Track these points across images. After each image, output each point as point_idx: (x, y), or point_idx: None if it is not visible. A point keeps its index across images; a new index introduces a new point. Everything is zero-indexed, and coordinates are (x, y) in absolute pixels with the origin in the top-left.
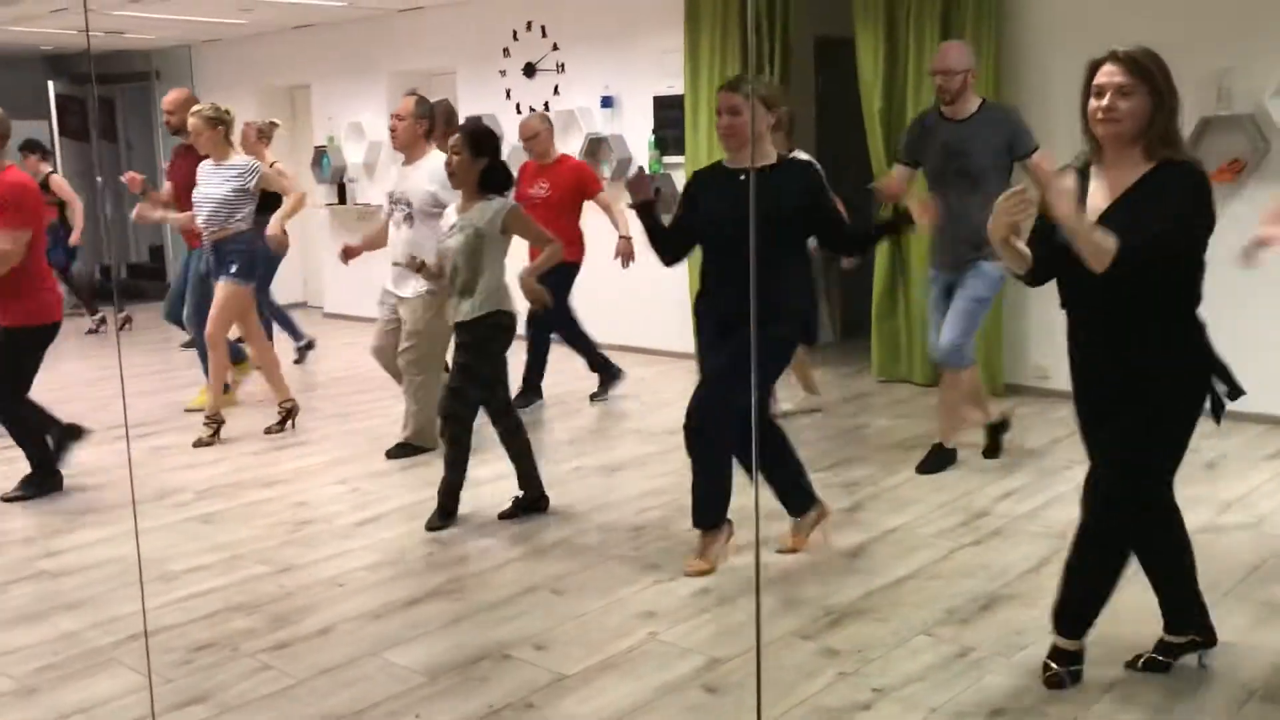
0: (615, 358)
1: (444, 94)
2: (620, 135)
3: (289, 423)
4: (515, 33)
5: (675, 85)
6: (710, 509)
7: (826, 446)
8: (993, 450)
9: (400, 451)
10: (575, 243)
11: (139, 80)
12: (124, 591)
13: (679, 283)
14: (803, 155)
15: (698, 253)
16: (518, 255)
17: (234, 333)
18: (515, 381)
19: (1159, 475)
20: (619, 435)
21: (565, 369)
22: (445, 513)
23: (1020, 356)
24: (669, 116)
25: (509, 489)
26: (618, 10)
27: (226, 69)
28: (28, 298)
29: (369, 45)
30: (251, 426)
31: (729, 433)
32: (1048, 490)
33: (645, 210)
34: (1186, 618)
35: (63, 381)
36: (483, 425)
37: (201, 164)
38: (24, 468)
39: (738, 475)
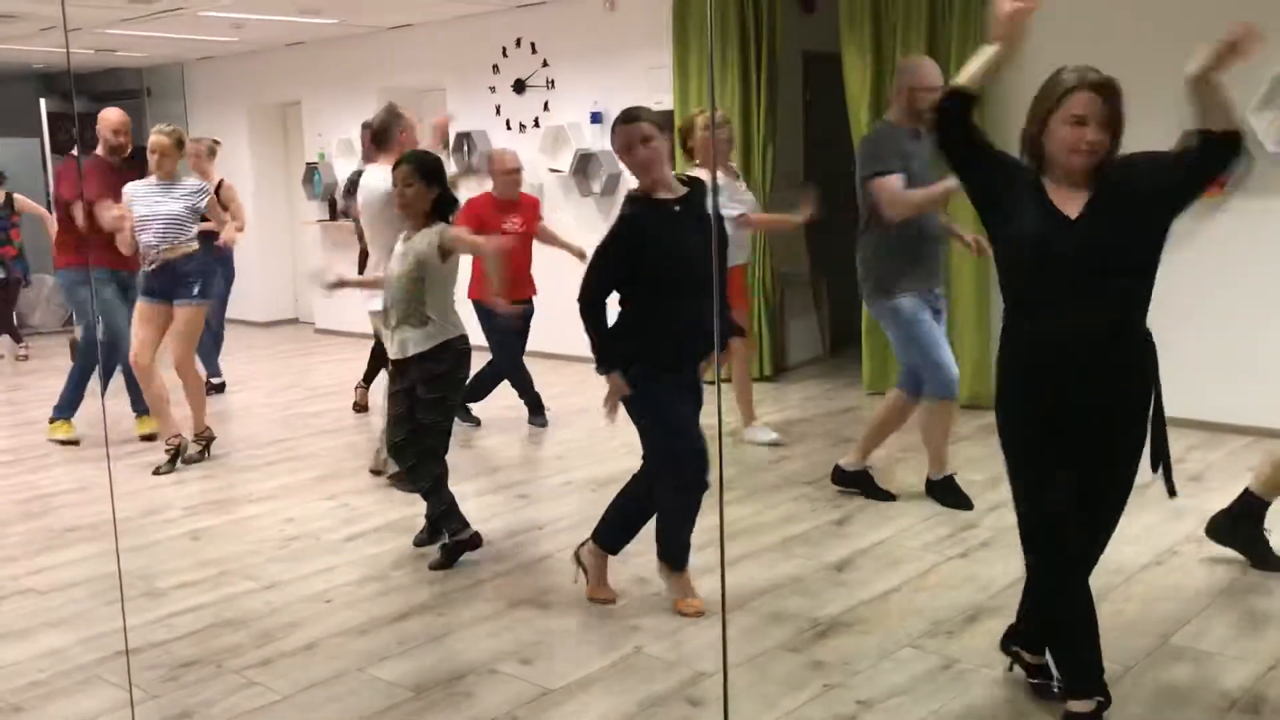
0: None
1: (433, 110)
2: (609, 151)
3: (206, 451)
4: (505, 49)
5: (664, 100)
6: (679, 549)
7: (815, 460)
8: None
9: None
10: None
11: (130, 98)
12: (109, 608)
13: None
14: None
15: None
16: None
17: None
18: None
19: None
20: (608, 451)
21: (553, 382)
22: (435, 530)
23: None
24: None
25: (492, 505)
26: (607, 26)
27: (218, 86)
28: None
29: (359, 62)
30: (239, 443)
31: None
32: None
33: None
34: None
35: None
36: (456, 447)
37: (139, 184)
38: None
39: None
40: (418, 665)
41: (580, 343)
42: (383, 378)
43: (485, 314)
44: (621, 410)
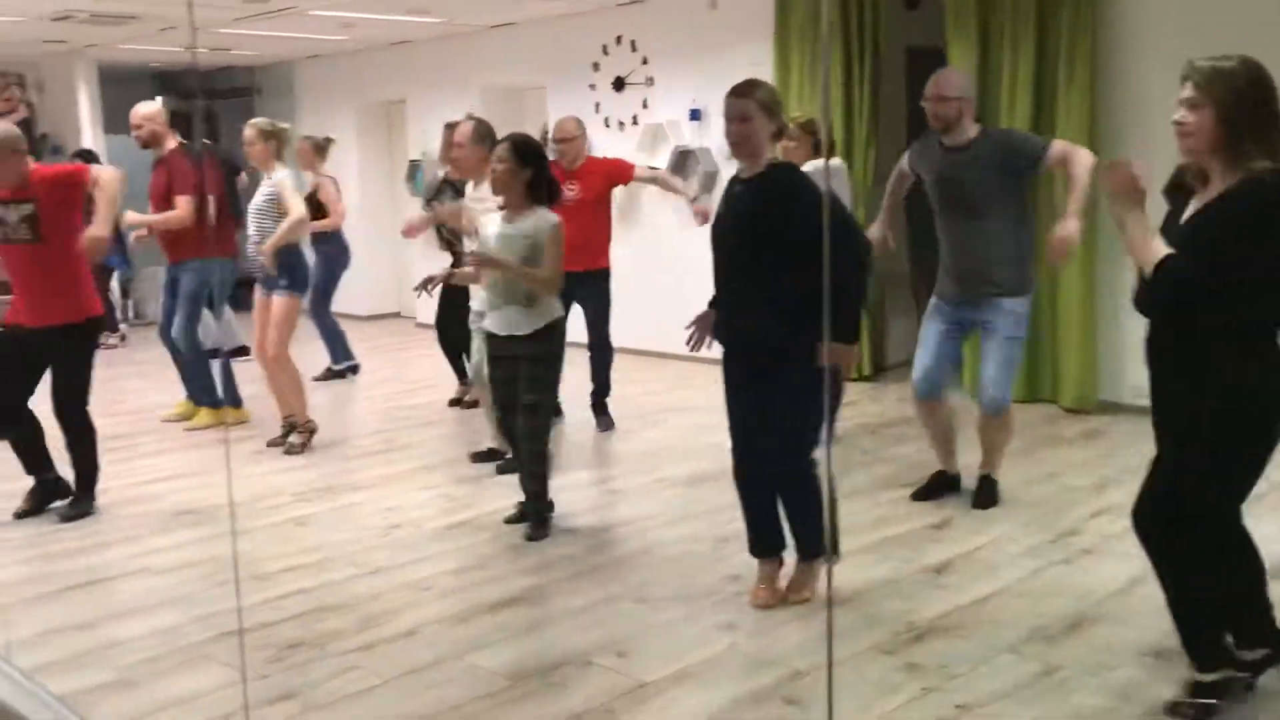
0: (691, 369)
1: (534, 108)
2: (707, 148)
3: (292, 438)
4: (605, 47)
5: None
6: (760, 541)
7: (913, 461)
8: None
9: (486, 457)
10: (606, 246)
11: (242, 95)
12: (219, 589)
13: None
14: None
15: None
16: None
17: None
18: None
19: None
20: (700, 448)
21: (646, 379)
22: (535, 509)
23: (1117, 373)
24: None
25: (586, 499)
26: (707, 23)
27: (326, 85)
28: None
29: (462, 60)
30: (342, 433)
31: (768, 477)
32: None
33: None
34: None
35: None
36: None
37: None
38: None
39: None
40: (514, 654)
41: (670, 340)
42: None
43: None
44: (704, 422)
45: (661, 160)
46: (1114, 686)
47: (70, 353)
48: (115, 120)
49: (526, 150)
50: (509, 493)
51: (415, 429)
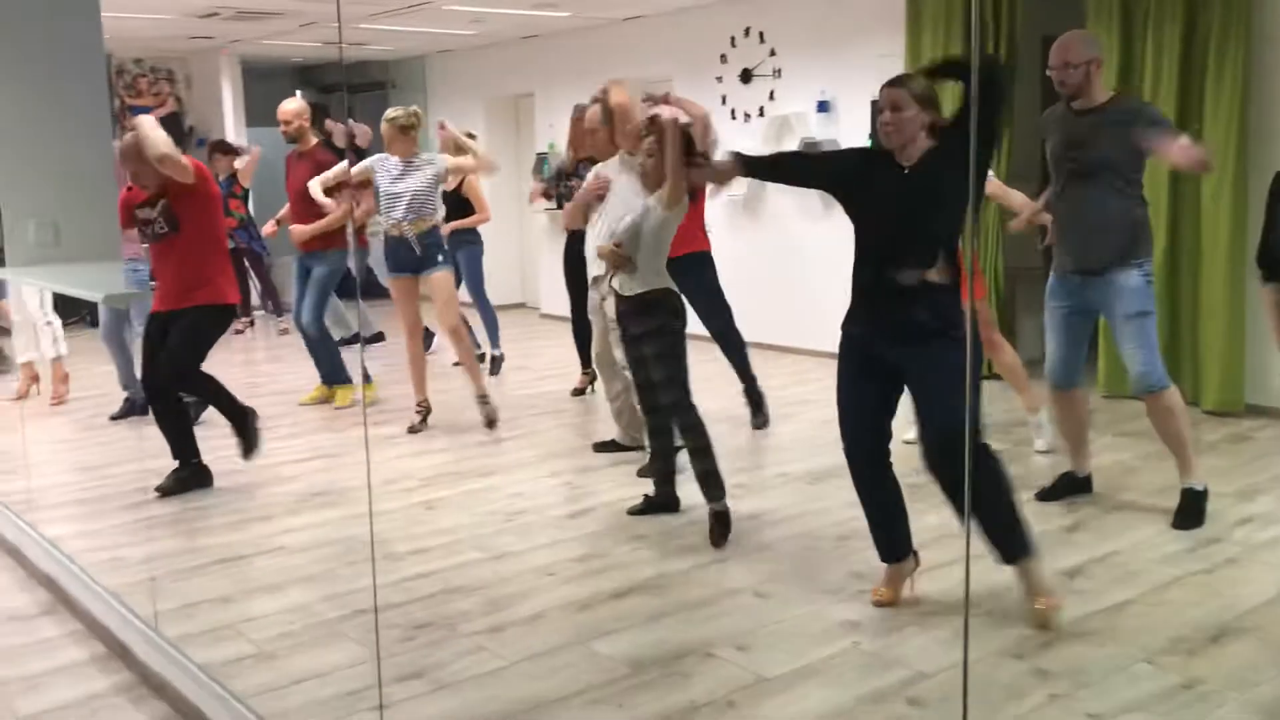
0: (810, 363)
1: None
2: (836, 140)
3: (424, 420)
4: (733, 38)
5: None
6: (885, 544)
7: (1043, 463)
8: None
9: (609, 447)
10: (701, 234)
11: (376, 89)
12: (351, 569)
13: None
14: None
15: None
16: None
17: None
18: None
19: None
20: (825, 443)
21: (771, 374)
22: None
23: (1263, 377)
24: None
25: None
26: (837, 14)
27: (456, 79)
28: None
29: (590, 54)
30: (469, 420)
31: (888, 466)
32: None
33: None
34: None
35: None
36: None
37: (385, 162)
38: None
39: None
40: (636, 643)
41: (800, 333)
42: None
43: None
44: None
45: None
46: (1260, 704)
47: (194, 328)
48: (256, 113)
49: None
50: (631, 483)
51: (540, 417)
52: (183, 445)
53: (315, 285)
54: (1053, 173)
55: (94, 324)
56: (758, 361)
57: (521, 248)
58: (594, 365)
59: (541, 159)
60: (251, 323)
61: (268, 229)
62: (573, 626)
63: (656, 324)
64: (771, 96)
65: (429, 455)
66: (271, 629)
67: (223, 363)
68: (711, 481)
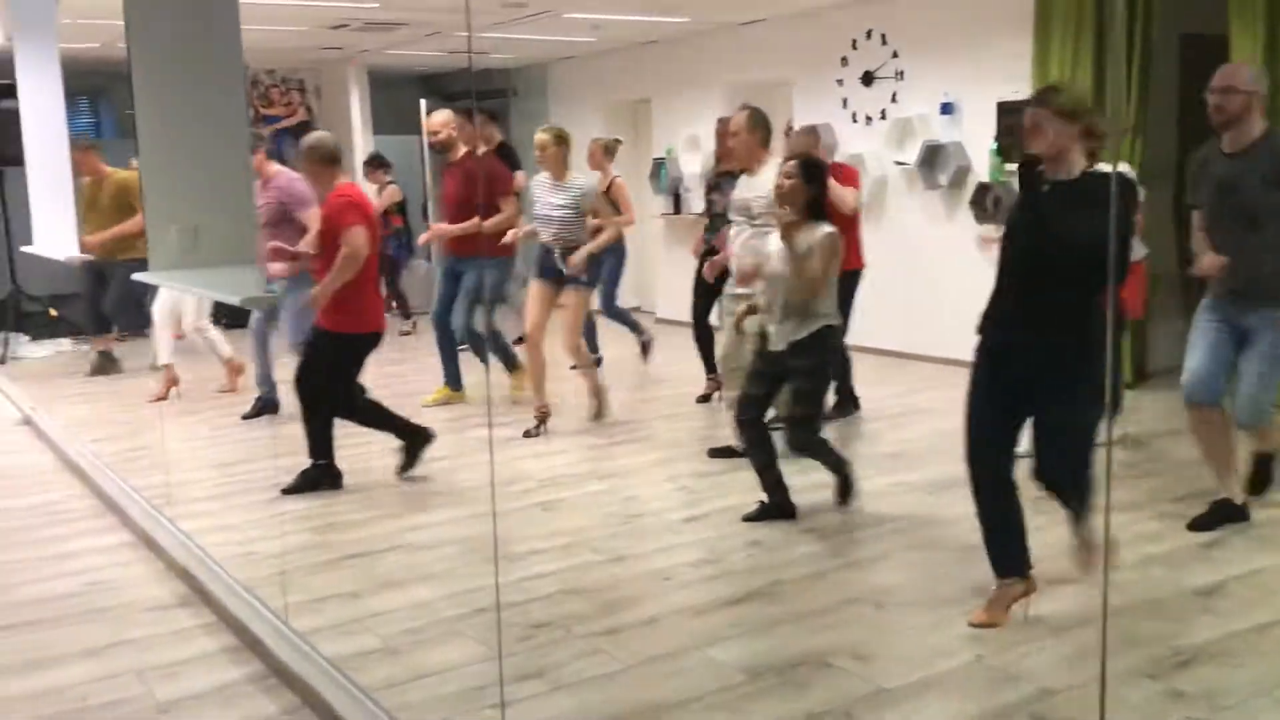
0: (935, 371)
1: (780, 104)
2: (959, 143)
3: (541, 425)
4: (854, 41)
5: (1022, 90)
6: (998, 557)
7: (1180, 475)
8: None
9: (725, 453)
10: (854, 250)
11: (497, 97)
12: (472, 569)
13: None
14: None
15: None
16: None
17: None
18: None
19: None
20: (945, 451)
21: (893, 380)
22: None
23: None
24: (1014, 123)
25: (827, 498)
26: (962, 14)
27: (576, 85)
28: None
29: (707, 58)
30: (586, 423)
31: (1010, 478)
32: None
33: None
34: None
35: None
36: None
37: (537, 179)
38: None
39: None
40: (752, 650)
41: (914, 340)
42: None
43: None
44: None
45: (910, 155)
46: None
47: (335, 356)
48: (382, 122)
49: (814, 170)
50: (748, 489)
51: (658, 421)
52: (320, 445)
53: (465, 292)
54: (1205, 211)
55: (230, 326)
56: (881, 368)
57: (638, 253)
58: (719, 371)
59: (659, 164)
60: (414, 324)
61: (423, 239)
62: (689, 632)
63: (811, 363)
64: (894, 99)
65: (548, 457)
66: (395, 625)
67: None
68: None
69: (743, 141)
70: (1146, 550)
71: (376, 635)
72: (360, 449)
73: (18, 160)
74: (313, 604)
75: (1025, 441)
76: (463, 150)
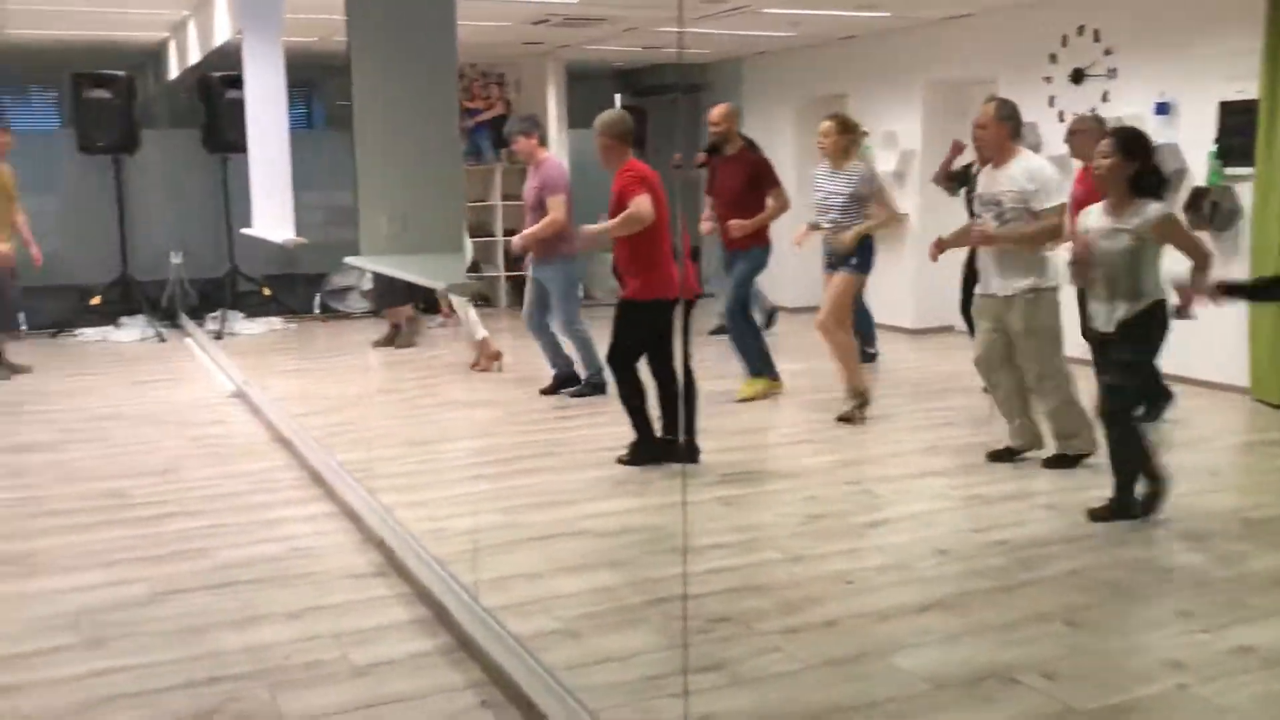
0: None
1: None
2: (1175, 144)
3: (858, 412)
4: (1065, 37)
5: (1247, 89)
6: None
7: None
8: None
9: (1005, 456)
10: None
11: (692, 91)
12: (653, 558)
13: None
14: None
15: None
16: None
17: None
18: None
19: None
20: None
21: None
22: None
23: None
24: (1237, 124)
25: (1025, 511)
26: (1182, 9)
27: (770, 80)
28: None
29: (908, 55)
30: (785, 419)
31: None
32: None
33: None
34: None
35: None
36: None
37: (819, 168)
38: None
39: None
40: (936, 660)
41: None
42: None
43: None
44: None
45: None
46: None
47: (626, 321)
48: (576, 115)
49: (1133, 143)
50: (936, 495)
51: (839, 424)
52: (639, 421)
53: (736, 281)
54: None
55: (425, 311)
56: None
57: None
58: (975, 367)
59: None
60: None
61: (705, 227)
62: (870, 637)
63: (1138, 346)
64: (1105, 98)
65: (733, 452)
66: (577, 608)
67: None
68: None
69: (991, 133)
70: None
71: (557, 618)
72: (569, 432)
73: (240, 148)
74: (499, 582)
75: None
76: (740, 144)
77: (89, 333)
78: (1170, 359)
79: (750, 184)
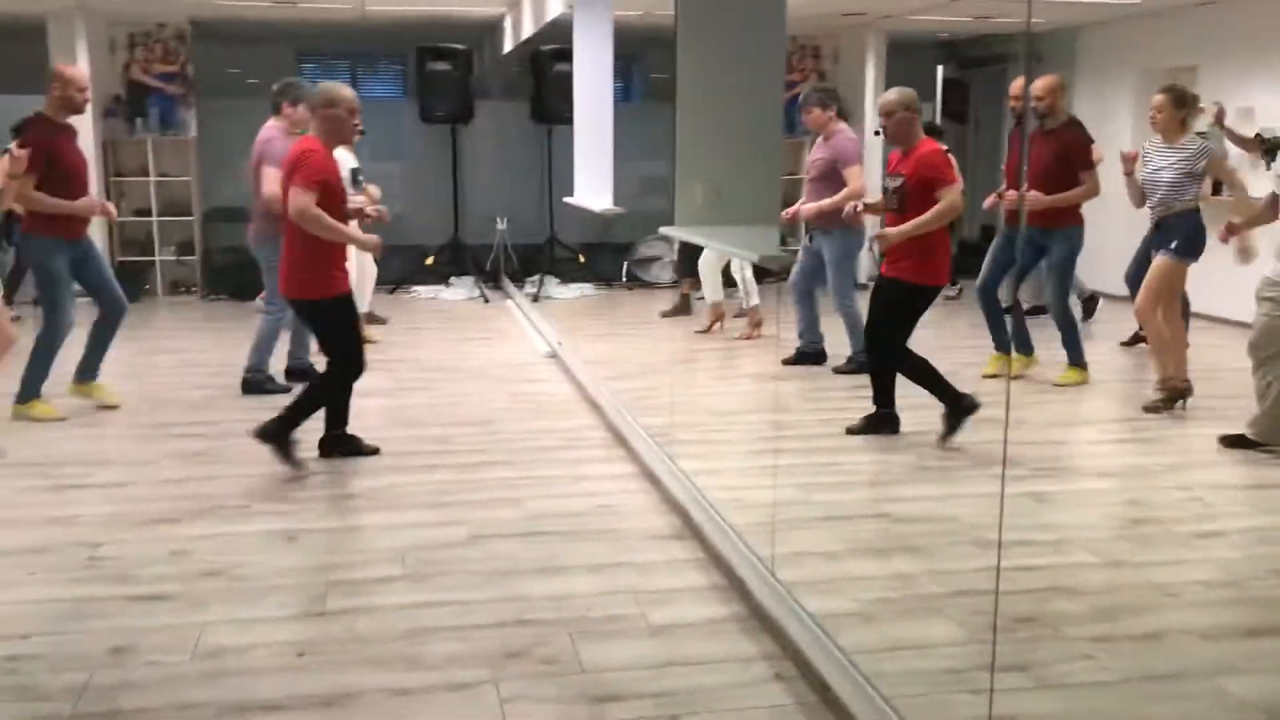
0: None
1: None
2: None
3: (1179, 404)
4: None
5: None
6: None
7: None
8: None
9: (1239, 442)
10: None
11: (1014, 61)
12: (954, 548)
13: None
14: None
15: None
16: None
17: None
18: None
19: None
20: None
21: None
22: None
23: None
24: None
25: None
26: None
27: (1109, 50)
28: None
29: (1272, 21)
30: (1102, 412)
31: None
32: None
33: None
34: None
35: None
36: None
37: (1149, 143)
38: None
39: None
40: (1274, 688)
41: None
42: None
43: None
44: None
45: None
46: None
47: (899, 303)
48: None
49: None
50: (1277, 507)
51: (1175, 422)
52: (881, 393)
53: (1056, 267)
54: None
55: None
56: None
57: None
58: (1249, 354)
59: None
60: (961, 290)
61: (988, 202)
62: (1196, 655)
63: None
64: None
65: (1042, 446)
66: (873, 592)
67: None
68: None
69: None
70: None
71: (852, 599)
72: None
73: (565, 119)
74: (795, 557)
75: None
76: (1065, 118)
77: (422, 290)
78: None
79: (1064, 163)
